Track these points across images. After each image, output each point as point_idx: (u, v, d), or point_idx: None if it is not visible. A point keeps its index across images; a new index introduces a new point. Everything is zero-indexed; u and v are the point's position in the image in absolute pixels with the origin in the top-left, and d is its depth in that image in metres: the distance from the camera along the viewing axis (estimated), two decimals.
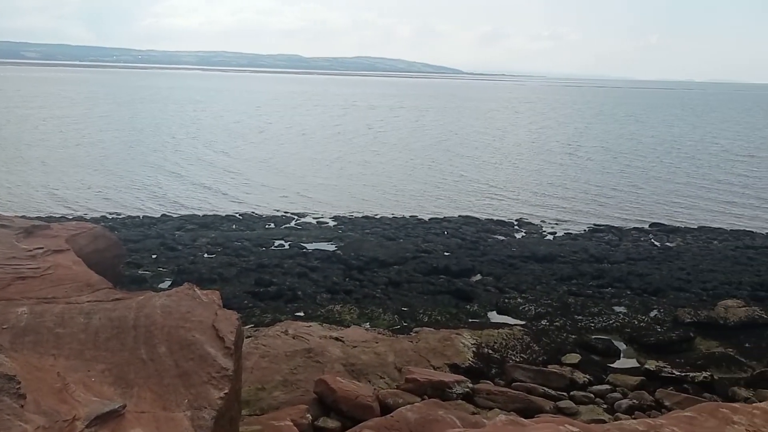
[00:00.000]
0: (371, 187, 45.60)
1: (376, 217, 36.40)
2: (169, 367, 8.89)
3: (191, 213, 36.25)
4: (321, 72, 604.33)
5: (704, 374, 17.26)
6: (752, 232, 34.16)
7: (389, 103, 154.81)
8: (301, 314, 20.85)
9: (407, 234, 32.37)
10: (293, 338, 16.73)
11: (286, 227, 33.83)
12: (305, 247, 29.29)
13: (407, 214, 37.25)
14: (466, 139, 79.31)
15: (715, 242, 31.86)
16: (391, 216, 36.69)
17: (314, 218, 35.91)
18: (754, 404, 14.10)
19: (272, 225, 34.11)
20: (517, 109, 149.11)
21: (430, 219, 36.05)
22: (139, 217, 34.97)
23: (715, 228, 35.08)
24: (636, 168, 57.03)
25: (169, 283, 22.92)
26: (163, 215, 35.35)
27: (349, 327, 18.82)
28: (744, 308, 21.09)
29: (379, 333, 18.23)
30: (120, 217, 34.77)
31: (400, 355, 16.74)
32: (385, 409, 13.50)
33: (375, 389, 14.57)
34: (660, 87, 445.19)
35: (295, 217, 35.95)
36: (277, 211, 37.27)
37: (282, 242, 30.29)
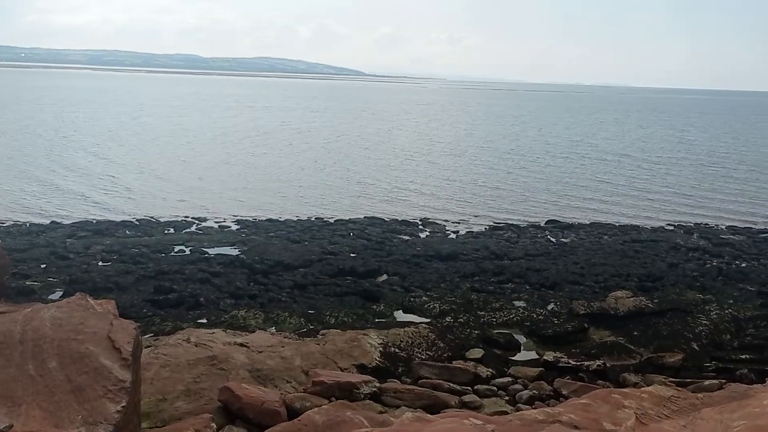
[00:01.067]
0: (274, 190, 45.03)
1: (280, 219, 35.95)
2: (61, 382, 8.38)
3: (84, 219, 34.38)
4: (220, 72, 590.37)
5: (598, 362, 18.22)
6: (638, 226, 36.40)
7: (288, 104, 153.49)
8: (204, 321, 20.24)
9: (313, 236, 32.18)
10: (196, 346, 16.22)
11: (186, 232, 32.75)
12: (207, 252, 28.47)
13: (312, 216, 37.04)
14: (368, 140, 79.86)
15: (606, 237, 33.70)
16: (296, 218, 36.35)
17: (216, 222, 34.98)
18: (642, 389, 15.01)
19: (172, 230, 32.92)
20: (418, 111, 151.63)
21: (336, 221, 36.02)
22: (25, 224, 32.74)
23: (605, 223, 37.11)
24: (530, 168, 59.37)
25: (60, 294, 21.58)
26: (52, 222, 33.27)
27: (254, 332, 18.46)
28: (632, 298, 22.43)
29: (285, 337, 18.00)
30: (4, 225, 32.44)
31: (307, 358, 16.60)
32: (293, 413, 13.34)
33: (282, 394, 14.38)
34: (552, 90, 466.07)
35: (196, 222, 34.86)
36: (177, 216, 36.00)
37: (182, 248, 29.30)
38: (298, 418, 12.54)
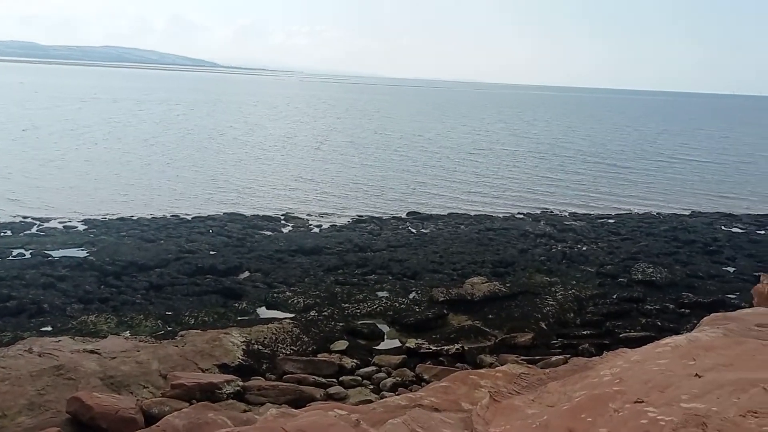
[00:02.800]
0: (125, 187, 42.42)
1: (132, 218, 33.99)
2: None
3: None
4: (62, 62, 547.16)
5: (456, 346, 19.02)
6: (491, 215, 38.37)
7: (137, 97, 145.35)
8: (49, 329, 18.74)
9: (169, 235, 30.77)
10: (39, 356, 14.96)
11: (26, 234, 30.06)
12: (51, 255, 26.33)
13: (168, 214, 35.38)
14: (221, 134, 76.85)
15: (462, 226, 35.19)
16: (150, 217, 34.54)
17: (60, 223, 32.42)
18: (497, 368, 15.86)
19: (8, 232, 30.08)
20: (274, 104, 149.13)
21: (194, 218, 34.68)
22: None
23: (461, 214, 38.73)
24: (389, 161, 60.57)
25: None
26: None
27: (106, 338, 17.35)
28: (487, 284, 23.63)
29: (140, 341, 17.08)
30: None
31: (165, 361, 15.88)
32: (151, 419, 12.70)
33: (138, 400, 13.63)
34: (411, 85, 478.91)
35: (37, 223, 32.11)
36: (14, 216, 32.95)
37: (22, 251, 26.88)
38: (157, 424, 11.94)
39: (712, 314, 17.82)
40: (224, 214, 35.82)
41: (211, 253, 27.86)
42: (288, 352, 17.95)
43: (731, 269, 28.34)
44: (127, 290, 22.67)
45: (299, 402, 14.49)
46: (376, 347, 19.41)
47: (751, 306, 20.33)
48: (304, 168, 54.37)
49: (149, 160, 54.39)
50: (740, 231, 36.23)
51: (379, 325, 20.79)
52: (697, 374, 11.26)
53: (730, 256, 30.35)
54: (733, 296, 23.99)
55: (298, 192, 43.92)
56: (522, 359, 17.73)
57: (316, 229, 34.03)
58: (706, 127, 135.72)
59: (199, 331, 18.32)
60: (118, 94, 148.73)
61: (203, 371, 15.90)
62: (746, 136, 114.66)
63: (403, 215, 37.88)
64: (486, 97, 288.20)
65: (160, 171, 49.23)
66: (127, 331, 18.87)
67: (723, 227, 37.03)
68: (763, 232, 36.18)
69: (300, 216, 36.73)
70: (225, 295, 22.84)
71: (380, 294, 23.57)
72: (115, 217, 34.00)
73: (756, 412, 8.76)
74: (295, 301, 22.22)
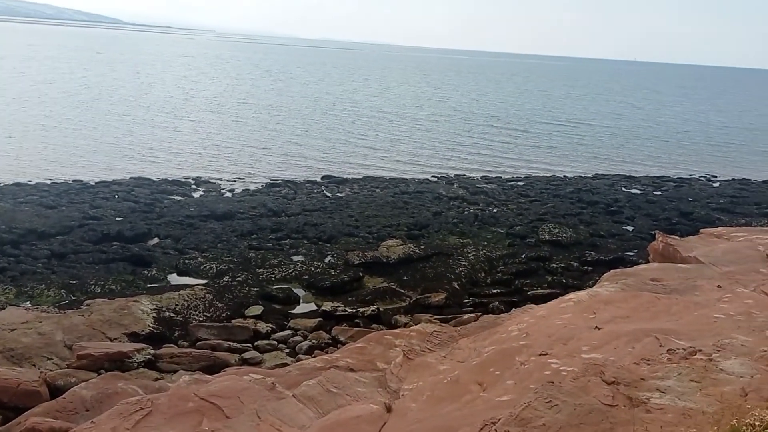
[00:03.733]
0: (18, 151, 39.85)
1: (30, 183, 32.04)
2: None
3: None
4: None
5: (372, 308, 19.29)
6: (406, 179, 38.75)
7: (25, 53, 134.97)
8: None
9: (71, 200, 29.25)
10: None
11: None
12: None
13: (69, 179, 33.60)
14: (124, 95, 72.66)
15: (378, 190, 35.38)
16: (50, 182, 32.70)
17: None
18: (411, 328, 16.23)
19: None
20: (182, 64, 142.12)
21: (98, 183, 33.09)
22: None
23: (376, 177, 38.89)
24: (301, 124, 59.65)
25: None
26: None
27: (4, 309, 16.47)
28: (402, 246, 23.98)
29: (42, 311, 16.32)
30: None
31: (71, 332, 15.27)
32: (56, 391, 12.26)
33: (42, 373, 13.07)
34: (325, 47, 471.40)
35: None
36: None
37: None
38: (63, 396, 11.55)
39: (611, 270, 18.85)
40: (130, 178, 34.40)
41: (118, 219, 26.79)
42: (201, 319, 17.64)
43: (630, 228, 29.99)
44: (26, 259, 21.51)
45: (213, 368, 14.32)
46: (292, 311, 19.40)
47: (647, 262, 21.68)
48: (212, 131, 52.73)
49: (46, 123, 51.02)
50: (639, 192, 38.27)
51: (294, 290, 20.75)
52: (597, 327, 11.94)
53: (629, 215, 32.06)
54: (632, 253, 25.43)
55: (208, 156, 42.68)
56: (435, 318, 18.24)
57: (229, 194, 33.30)
58: (605, 92, 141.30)
59: (106, 299, 17.69)
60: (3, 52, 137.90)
61: (111, 341, 15.40)
62: (642, 101, 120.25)
63: (318, 179, 37.65)
64: (396, 60, 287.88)
65: (54, 133, 46.32)
66: (28, 302, 18.00)
67: (623, 188, 38.99)
68: (659, 193, 38.37)
69: (211, 180, 35.80)
70: (133, 263, 22.09)
71: (295, 258, 23.46)
72: (11, 182, 31.95)
73: (648, 360, 9.40)
74: (208, 267, 21.78)
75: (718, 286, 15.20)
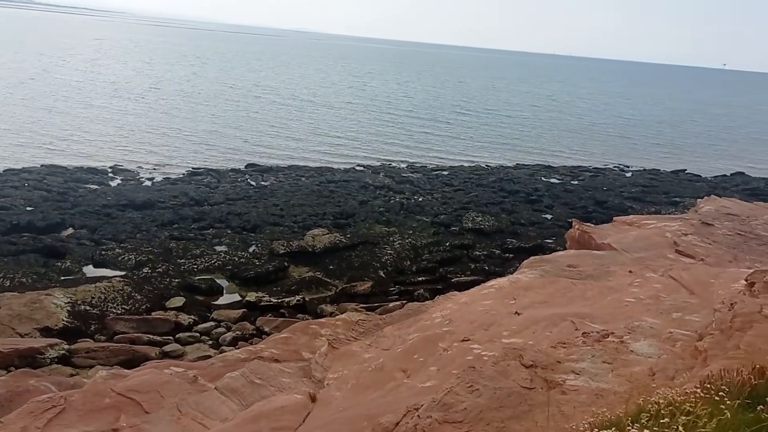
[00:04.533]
0: None
1: None
2: None
3: None
4: None
5: (297, 298, 19.16)
6: (332, 168, 38.60)
7: None
8: None
9: None
10: None
11: None
12: None
13: None
14: (24, 80, 68.29)
15: (303, 179, 35.08)
16: None
17: None
18: (337, 317, 16.24)
19: None
20: (90, 48, 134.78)
21: (5, 170, 31.31)
22: None
23: (302, 166, 38.55)
24: (220, 111, 58.22)
25: None
26: None
27: None
28: (328, 235, 23.91)
29: None
30: None
31: None
32: None
33: None
34: (248, 32, 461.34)
35: None
36: None
37: None
38: None
39: (531, 257, 19.46)
40: (42, 166, 32.70)
41: (28, 209, 25.46)
42: (119, 312, 17.04)
43: (549, 216, 31.00)
44: None
45: (133, 362, 13.89)
46: (215, 302, 19.02)
47: (565, 249, 22.51)
48: (129, 117, 50.73)
49: None
50: (557, 181, 39.59)
51: (217, 280, 20.34)
52: (516, 312, 12.31)
53: (548, 204, 33.14)
54: (550, 241, 26.34)
55: (126, 143, 41.08)
56: (361, 307, 18.32)
57: (148, 183, 32.22)
58: (524, 84, 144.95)
59: (15, 293, 16.80)
60: None
61: (22, 336, 14.66)
62: (559, 93, 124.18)
63: (242, 167, 36.97)
64: (323, 48, 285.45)
65: None
66: None
67: (543, 178, 40.23)
68: (576, 182, 39.81)
69: (129, 168, 34.53)
70: (45, 254, 21.04)
71: (218, 248, 22.99)
72: None
73: (564, 343, 9.77)
74: (126, 259, 21.04)
75: (630, 272, 15.96)
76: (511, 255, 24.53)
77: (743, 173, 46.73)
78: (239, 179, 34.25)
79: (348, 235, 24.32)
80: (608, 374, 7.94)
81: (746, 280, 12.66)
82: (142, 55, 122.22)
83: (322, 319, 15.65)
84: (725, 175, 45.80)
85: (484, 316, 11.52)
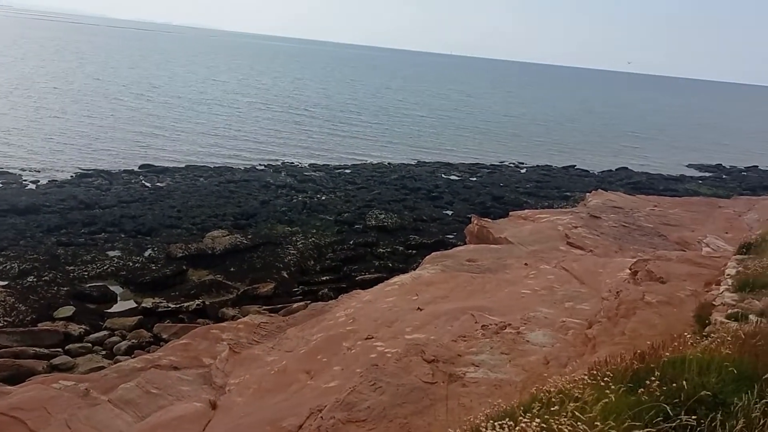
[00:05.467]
0: None
1: None
2: None
3: None
4: None
5: (197, 302, 18.57)
6: (232, 167, 37.71)
7: None
8: None
9: None
10: None
11: None
12: None
13: None
14: None
15: (202, 179, 34.06)
16: None
17: None
18: (239, 320, 15.88)
19: None
20: None
21: None
22: None
23: (200, 166, 37.41)
24: (109, 110, 55.32)
25: None
26: None
27: None
28: (228, 237, 23.34)
29: None
30: None
31: None
32: None
33: None
34: (137, 28, 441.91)
35: None
36: None
37: None
38: None
39: (432, 253, 19.85)
40: None
41: None
42: (1, 325, 15.87)
43: (450, 212, 31.73)
44: None
45: (17, 378, 12.95)
46: (108, 310, 18.10)
47: (465, 244, 23.13)
48: (6, 117, 47.32)
49: None
50: (456, 178, 40.59)
51: (111, 287, 19.38)
52: (419, 308, 12.51)
53: (448, 200, 33.91)
54: (451, 236, 26.98)
55: (4, 144, 38.31)
56: (264, 309, 18.00)
57: (32, 186, 30.21)
58: (422, 84, 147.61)
59: None
60: None
61: None
62: (454, 93, 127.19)
63: (136, 168, 35.41)
64: (220, 45, 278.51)
65: None
66: None
67: (443, 175, 41.12)
68: (474, 179, 40.98)
69: (10, 171, 32.24)
70: None
71: (111, 254, 21.91)
72: None
73: (465, 336, 10.03)
74: (9, 267, 19.63)
75: (525, 264, 16.61)
76: (413, 251, 24.90)
77: (627, 168, 49.77)
78: (133, 181, 32.79)
79: (249, 236, 23.86)
80: (506, 365, 8.22)
81: (630, 269, 13.49)
82: (33, 53, 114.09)
83: (224, 323, 15.23)
84: (611, 170, 48.60)
85: (387, 313, 11.61)
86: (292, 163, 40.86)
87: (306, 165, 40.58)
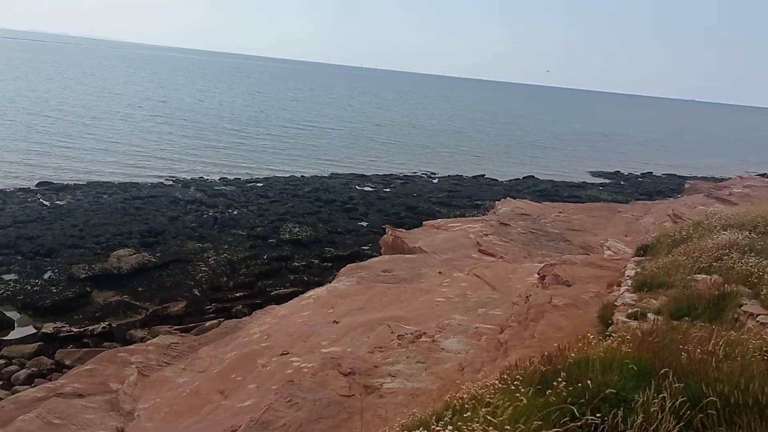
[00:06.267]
0: None
1: None
2: None
3: None
4: None
5: (103, 324, 17.70)
6: (138, 183, 36.31)
7: None
8: None
9: None
10: None
11: None
12: None
13: None
14: None
15: (105, 196, 32.60)
16: None
17: None
18: (148, 342, 15.27)
19: None
20: None
21: None
22: None
23: (104, 182, 35.80)
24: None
25: None
26: None
27: None
28: (135, 255, 22.44)
29: None
30: None
31: None
32: None
33: None
34: (31, 39, 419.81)
35: None
36: None
37: None
38: None
39: (348, 265, 19.84)
40: None
41: None
42: None
43: (365, 224, 31.84)
44: None
45: None
46: (5, 338, 16.95)
47: (380, 255, 23.28)
48: None
49: None
50: (371, 189, 40.85)
51: (7, 312, 18.16)
52: (335, 321, 12.45)
53: (363, 212, 34.05)
54: (367, 247, 27.07)
55: None
56: (175, 329, 17.40)
57: None
58: (331, 95, 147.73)
59: None
60: None
61: None
62: (366, 105, 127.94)
63: (32, 186, 33.45)
64: (116, 56, 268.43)
65: None
66: None
67: (357, 186, 41.27)
68: (388, 189, 41.37)
69: None
70: None
71: (6, 277, 20.58)
72: None
73: (381, 347, 10.06)
74: None
75: (440, 273, 16.90)
76: (329, 264, 24.79)
77: (533, 176, 51.69)
78: (29, 199, 30.96)
79: (158, 254, 23.03)
80: (422, 374, 8.30)
81: (538, 274, 13.99)
82: None
83: (132, 346, 14.59)
84: (518, 179, 50.34)
85: (303, 327, 11.49)
86: (202, 177, 39.85)
87: (216, 179, 39.69)
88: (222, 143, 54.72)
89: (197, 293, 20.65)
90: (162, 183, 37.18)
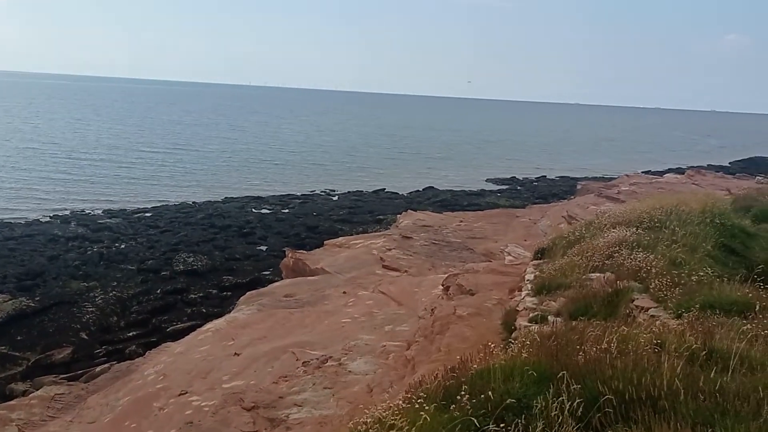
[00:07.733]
0: None
1: None
2: None
3: None
4: None
5: None
6: (10, 222, 33.51)
7: None
8: None
9: None
10: None
11: None
12: None
13: None
14: None
15: None
16: None
17: None
18: (31, 395, 13.99)
19: None
20: None
21: None
22: None
23: None
24: None
25: None
26: None
27: None
28: (11, 301, 20.67)
29: None
30: None
31: None
32: None
33: None
34: None
35: None
36: None
37: None
38: None
39: (248, 292, 19.21)
40: None
41: None
42: None
43: (264, 248, 31.03)
44: None
45: None
46: None
47: (281, 279, 22.73)
48: None
49: None
50: (268, 211, 40.01)
51: None
52: (236, 353, 11.87)
53: (261, 235, 33.19)
54: (267, 272, 26.36)
55: None
56: (62, 378, 16.06)
57: None
58: (224, 117, 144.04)
59: None
60: None
61: None
62: (250, 125, 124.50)
63: None
64: None
65: None
66: None
67: (254, 209, 40.31)
68: (287, 210, 40.67)
69: None
70: None
71: None
72: None
73: (286, 376, 9.64)
74: None
75: (344, 292, 16.64)
76: (228, 293, 23.87)
77: (433, 187, 52.46)
78: None
79: (38, 298, 21.32)
80: (329, 400, 8.00)
81: (442, 285, 14.04)
82: None
83: (13, 401, 13.30)
84: (418, 190, 50.91)
85: (201, 363, 10.87)
86: (83, 210, 37.49)
87: (99, 212, 37.43)
88: (101, 173, 51.55)
89: (85, 336, 19.25)
90: (38, 220, 34.60)
